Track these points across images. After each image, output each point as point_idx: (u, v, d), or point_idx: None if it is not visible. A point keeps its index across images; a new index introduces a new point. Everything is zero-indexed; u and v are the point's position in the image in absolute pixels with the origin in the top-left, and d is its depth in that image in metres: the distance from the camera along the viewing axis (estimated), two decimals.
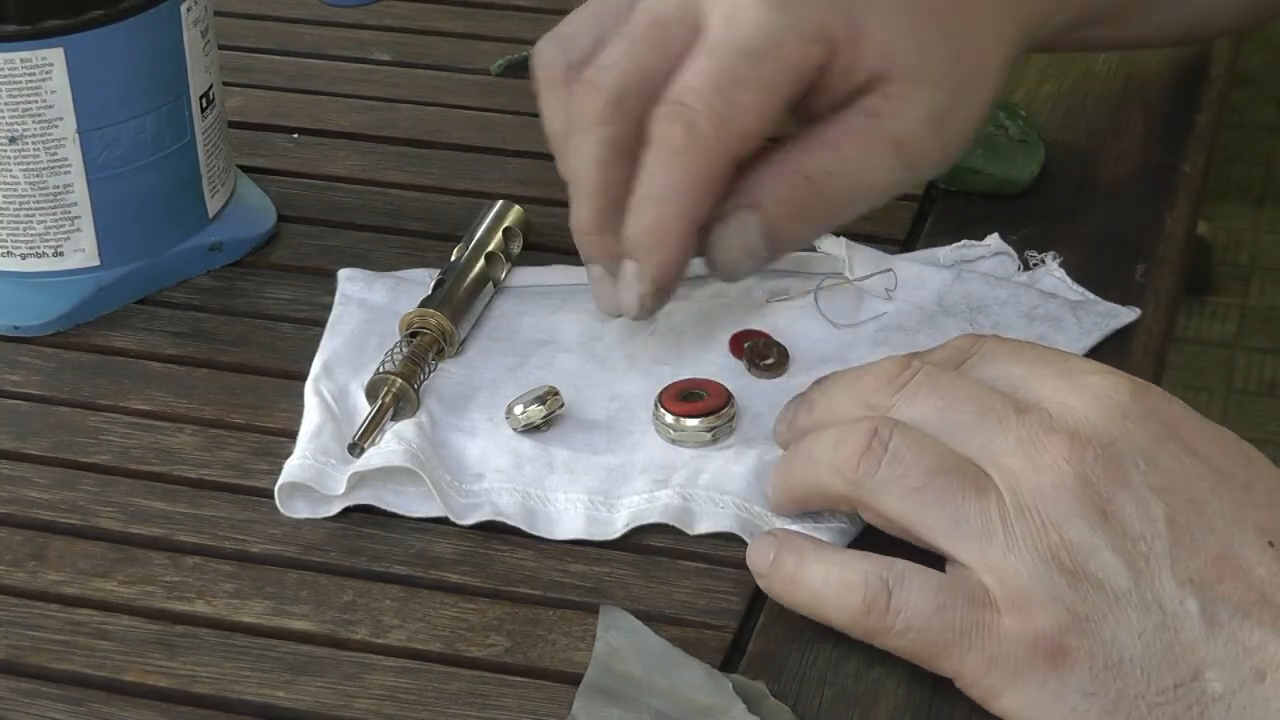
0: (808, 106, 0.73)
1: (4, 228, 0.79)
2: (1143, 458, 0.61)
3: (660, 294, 0.72)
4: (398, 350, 0.74)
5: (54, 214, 0.79)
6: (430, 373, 0.74)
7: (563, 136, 0.73)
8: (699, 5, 0.71)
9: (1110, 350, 0.76)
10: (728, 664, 0.64)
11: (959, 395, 0.64)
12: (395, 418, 0.72)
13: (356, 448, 0.70)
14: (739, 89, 0.70)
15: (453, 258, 0.79)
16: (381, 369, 0.73)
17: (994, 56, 0.75)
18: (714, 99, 0.69)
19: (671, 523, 0.68)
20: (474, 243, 0.80)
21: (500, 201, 0.82)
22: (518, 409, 0.72)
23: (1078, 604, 0.60)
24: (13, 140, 0.77)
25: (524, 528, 0.69)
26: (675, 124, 0.69)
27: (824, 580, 0.63)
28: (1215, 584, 0.59)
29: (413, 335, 0.75)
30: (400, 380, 0.72)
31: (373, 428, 0.71)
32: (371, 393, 0.72)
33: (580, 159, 0.72)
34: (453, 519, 0.69)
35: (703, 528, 0.68)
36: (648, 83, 0.70)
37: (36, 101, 0.77)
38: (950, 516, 0.62)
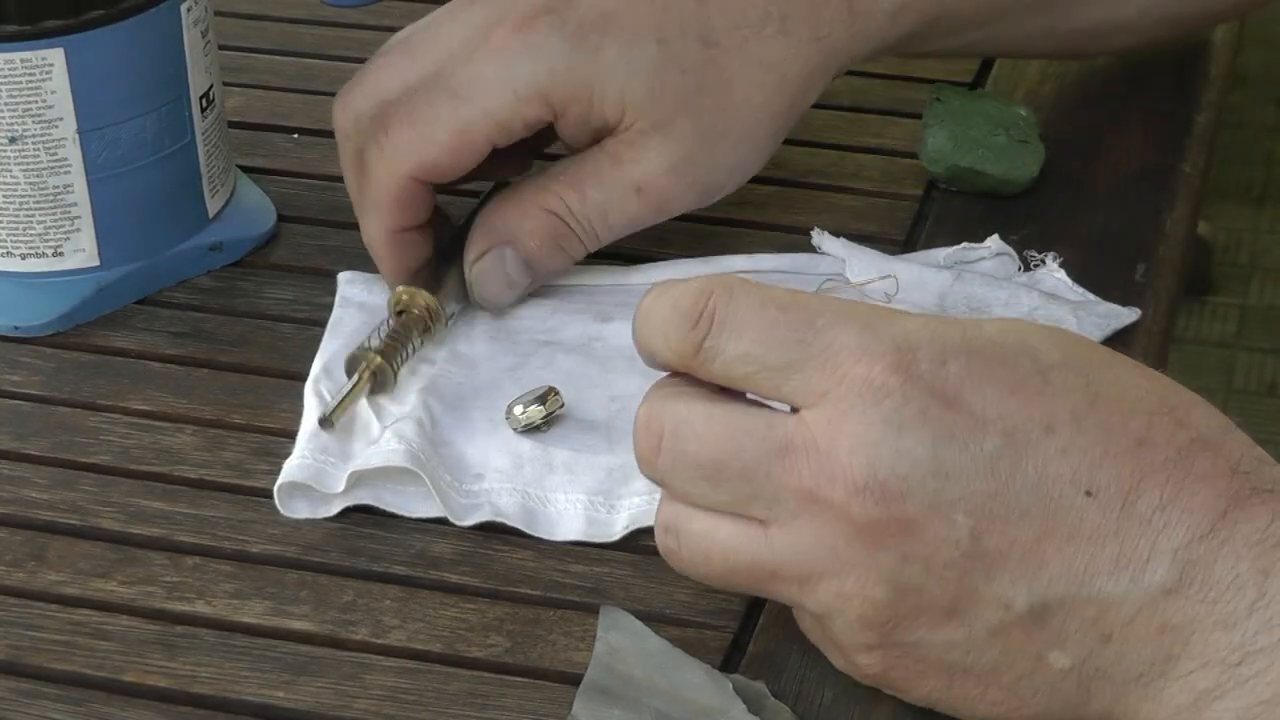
0: (565, 142, 0.79)
1: (4, 228, 0.79)
2: (930, 475, 0.57)
3: (397, 282, 0.77)
4: (383, 327, 0.74)
5: (54, 214, 0.79)
6: (414, 352, 0.74)
7: None
8: (452, 41, 0.77)
9: None
10: (728, 664, 0.64)
11: (715, 458, 0.60)
12: (372, 393, 0.72)
13: (328, 421, 0.70)
14: (433, 125, 0.75)
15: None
16: (365, 345, 0.73)
17: (763, 106, 0.78)
18: (404, 129, 0.75)
19: None
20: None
21: (498, 183, 0.82)
22: (518, 409, 0.72)
23: (894, 649, 0.60)
24: (13, 140, 0.77)
25: (524, 528, 0.69)
26: (371, 146, 0.76)
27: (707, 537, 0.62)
28: (1039, 571, 0.57)
29: (400, 314, 0.75)
30: (379, 358, 0.72)
31: (346, 403, 0.71)
32: (350, 367, 0.73)
33: (343, 169, 0.80)
34: (452, 519, 0.69)
35: None
36: (387, 105, 0.76)
37: (36, 101, 0.77)
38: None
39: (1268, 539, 0.57)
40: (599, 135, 0.77)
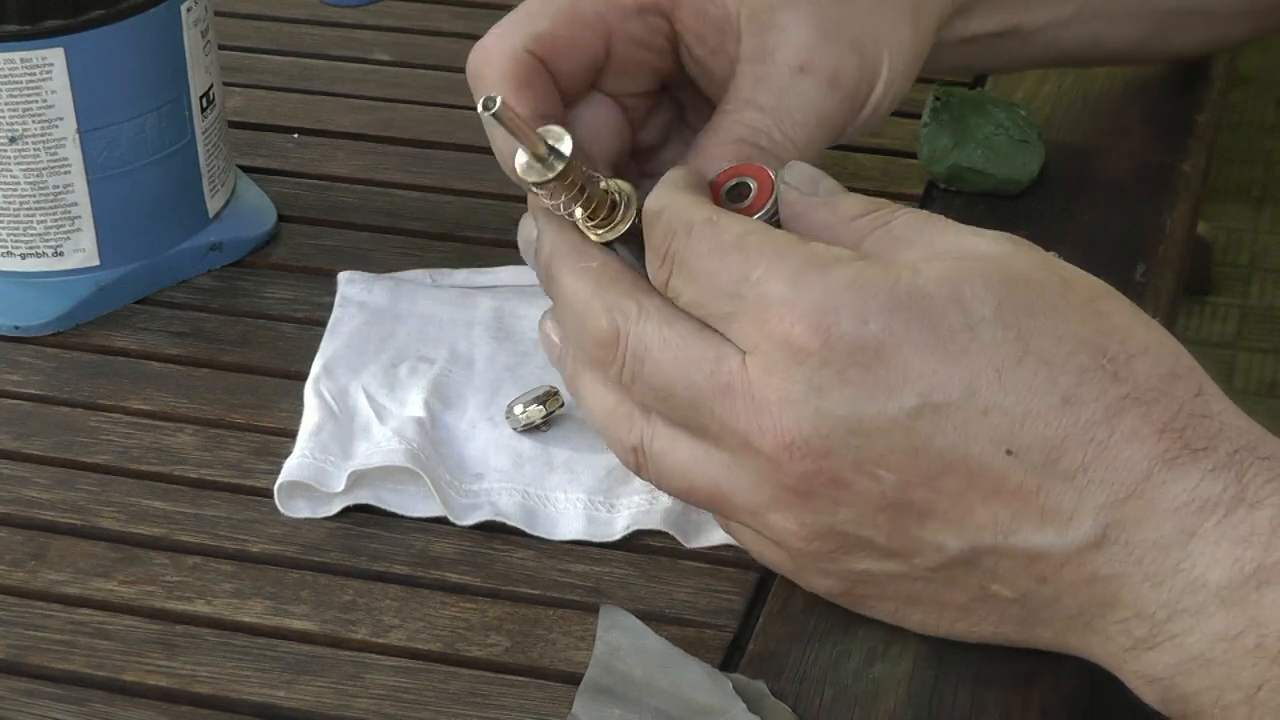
0: (699, 65, 0.72)
1: (4, 228, 0.79)
2: (851, 433, 0.59)
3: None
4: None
5: (54, 214, 0.79)
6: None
7: None
8: None
9: None
10: (728, 664, 0.64)
11: (668, 382, 0.62)
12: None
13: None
14: (539, 16, 0.70)
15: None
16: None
17: None
18: (517, 10, 0.71)
19: (671, 531, 0.68)
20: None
21: None
22: (518, 409, 0.72)
23: (849, 575, 0.62)
24: (13, 140, 0.77)
25: (524, 528, 0.69)
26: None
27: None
28: (966, 519, 0.59)
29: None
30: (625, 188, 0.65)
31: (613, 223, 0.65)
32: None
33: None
34: (452, 519, 0.69)
35: (699, 542, 0.68)
36: None
37: (37, 101, 0.77)
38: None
39: (1194, 501, 0.57)
40: (721, 32, 0.72)
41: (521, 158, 0.63)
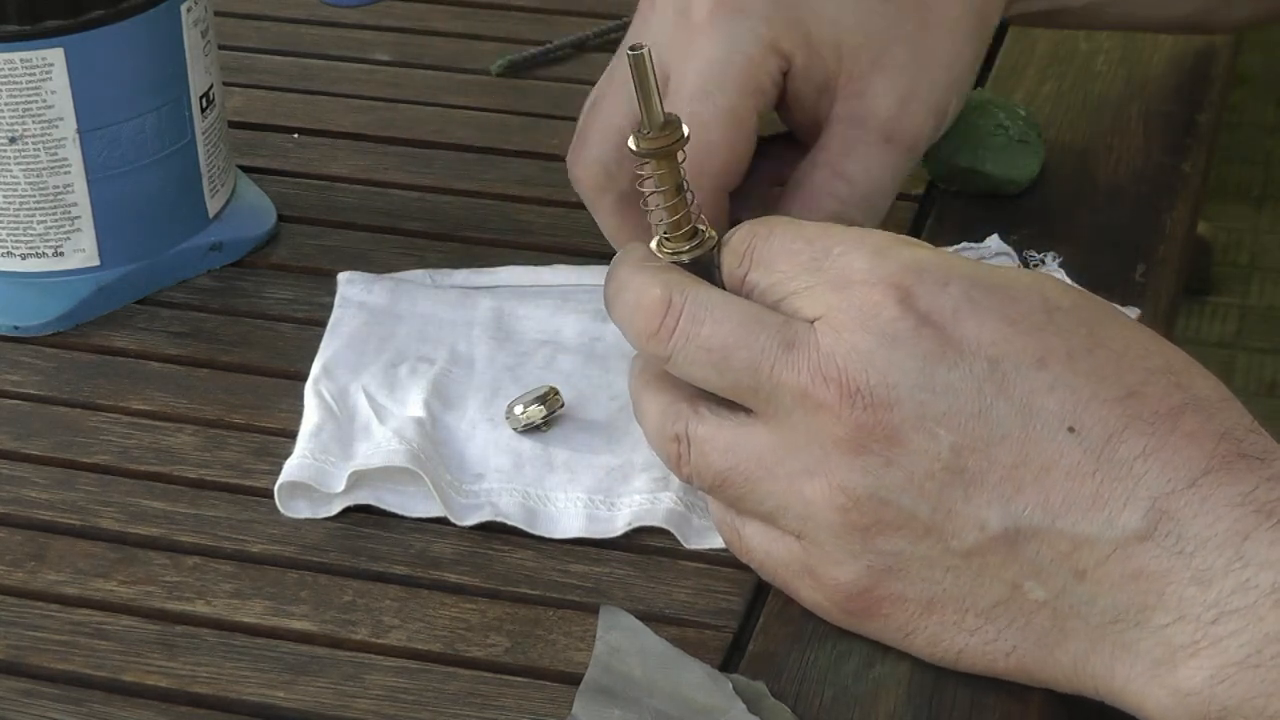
0: (792, 119, 0.77)
1: (4, 228, 0.79)
2: (918, 388, 0.59)
3: None
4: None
5: (54, 214, 0.79)
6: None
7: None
8: (664, 60, 0.73)
9: None
10: (728, 664, 0.64)
11: (726, 343, 0.62)
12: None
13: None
14: (702, 127, 0.71)
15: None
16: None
17: (960, 20, 0.77)
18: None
19: (671, 530, 0.68)
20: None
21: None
22: (518, 409, 0.72)
23: (876, 560, 0.61)
24: (13, 140, 0.77)
25: (524, 528, 0.69)
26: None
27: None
28: (1014, 496, 0.59)
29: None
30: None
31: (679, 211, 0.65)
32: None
33: (604, 229, 0.77)
34: (453, 519, 0.69)
35: (698, 544, 0.68)
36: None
37: (37, 101, 0.77)
38: (752, 491, 0.63)
39: (1249, 503, 0.57)
40: (822, 92, 0.75)
41: (636, 127, 0.64)
